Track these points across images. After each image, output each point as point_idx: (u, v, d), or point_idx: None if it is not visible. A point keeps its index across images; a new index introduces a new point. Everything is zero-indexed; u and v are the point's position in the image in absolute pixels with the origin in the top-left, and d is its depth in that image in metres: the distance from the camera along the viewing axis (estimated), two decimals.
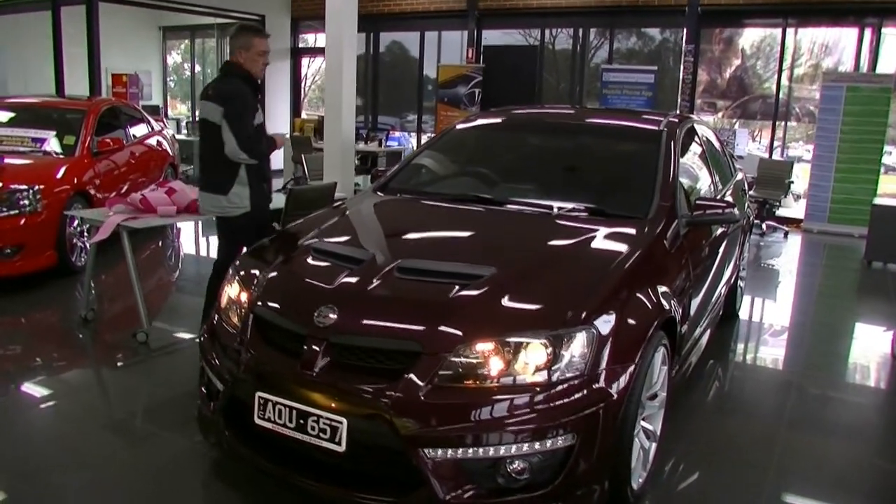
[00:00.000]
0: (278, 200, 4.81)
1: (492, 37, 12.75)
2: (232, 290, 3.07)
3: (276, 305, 2.83)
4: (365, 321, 2.61)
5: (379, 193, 4.02)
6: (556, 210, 3.48)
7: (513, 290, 2.67)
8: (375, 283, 2.75)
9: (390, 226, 3.64)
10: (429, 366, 2.43)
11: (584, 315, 2.55)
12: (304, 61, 15.65)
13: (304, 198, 5.25)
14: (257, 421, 2.63)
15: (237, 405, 2.78)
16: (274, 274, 3.02)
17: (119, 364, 4.43)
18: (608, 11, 11.60)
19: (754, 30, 12.23)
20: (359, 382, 2.48)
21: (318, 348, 2.55)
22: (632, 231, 3.25)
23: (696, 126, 4.63)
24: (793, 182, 9.89)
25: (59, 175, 6.16)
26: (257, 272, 3.06)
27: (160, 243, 7.78)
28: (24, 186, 5.66)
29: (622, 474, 2.66)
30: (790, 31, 10.97)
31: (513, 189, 3.88)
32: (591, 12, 11.79)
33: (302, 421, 2.52)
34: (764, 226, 9.51)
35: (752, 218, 5.81)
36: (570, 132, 4.37)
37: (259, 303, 2.87)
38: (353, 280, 2.79)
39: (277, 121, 14.89)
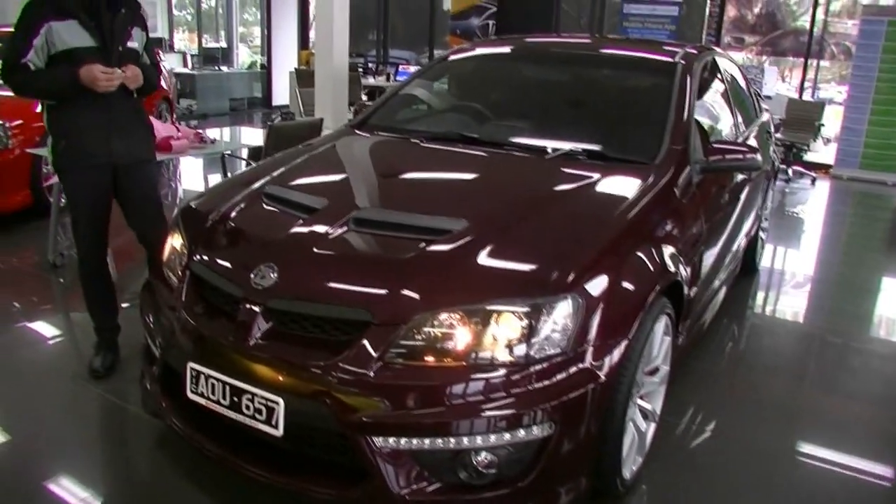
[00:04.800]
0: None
1: None
2: (175, 241, 2.68)
3: (214, 261, 2.43)
4: (308, 283, 2.21)
5: (356, 131, 3.58)
6: (549, 153, 3.03)
7: (486, 247, 2.23)
8: (325, 237, 2.33)
9: (357, 169, 3.20)
10: (380, 338, 2.03)
11: (569, 279, 2.13)
12: None
13: (286, 135, 4.84)
14: (189, 395, 2.28)
15: (174, 374, 2.42)
16: (217, 223, 2.60)
17: (80, 313, 4.08)
18: None
19: None
20: (298, 356, 2.09)
21: (255, 314, 2.17)
22: (636, 178, 2.80)
23: (718, 59, 4.11)
24: (823, 125, 9.26)
25: (36, 110, 5.78)
26: (202, 221, 2.65)
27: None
28: None
29: (611, 465, 2.28)
30: None
31: (504, 127, 3.42)
32: None
33: (236, 398, 2.15)
34: (790, 171, 8.94)
35: (777, 163, 5.30)
36: (576, 64, 3.85)
37: (196, 257, 2.48)
38: (300, 232, 2.38)
39: (284, 53, 14.33)
